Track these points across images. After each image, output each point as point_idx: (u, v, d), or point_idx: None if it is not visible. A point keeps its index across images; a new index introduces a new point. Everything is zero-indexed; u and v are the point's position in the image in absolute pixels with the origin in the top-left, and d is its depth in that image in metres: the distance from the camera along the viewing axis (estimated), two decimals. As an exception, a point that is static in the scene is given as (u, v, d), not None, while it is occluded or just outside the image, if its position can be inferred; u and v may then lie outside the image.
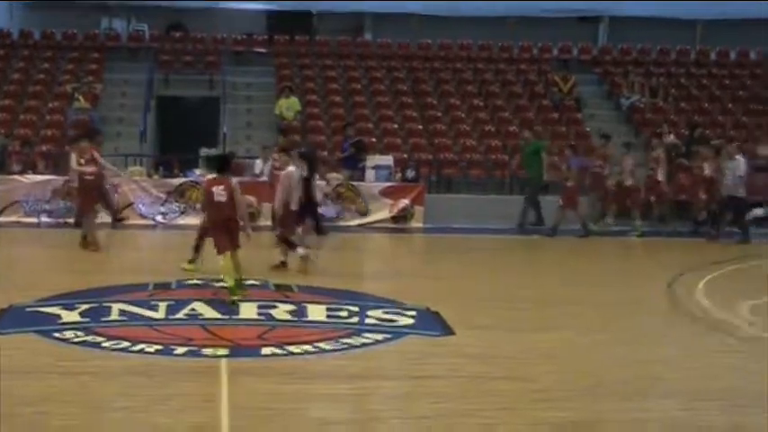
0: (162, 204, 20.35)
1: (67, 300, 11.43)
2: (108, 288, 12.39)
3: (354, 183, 21.19)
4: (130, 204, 20.10)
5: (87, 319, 10.52)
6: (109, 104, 25.67)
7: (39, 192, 20.05)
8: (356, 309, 11.43)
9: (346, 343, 9.81)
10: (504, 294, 13.22)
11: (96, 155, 16.66)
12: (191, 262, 13.74)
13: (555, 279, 14.91)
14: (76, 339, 9.62)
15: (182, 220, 19.88)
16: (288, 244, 14.27)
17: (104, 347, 9.34)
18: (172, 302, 11.41)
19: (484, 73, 28.17)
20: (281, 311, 11.22)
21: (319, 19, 30.20)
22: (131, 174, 20.55)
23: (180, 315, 10.88)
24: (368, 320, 10.93)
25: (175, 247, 14.69)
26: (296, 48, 28.66)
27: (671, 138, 23.58)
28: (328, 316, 11.09)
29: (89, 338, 9.66)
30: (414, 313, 11.25)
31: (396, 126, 25.15)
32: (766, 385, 8.58)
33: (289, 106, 24.45)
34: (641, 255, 19.23)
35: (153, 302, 11.41)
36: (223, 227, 12.03)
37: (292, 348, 9.48)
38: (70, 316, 10.64)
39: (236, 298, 11.49)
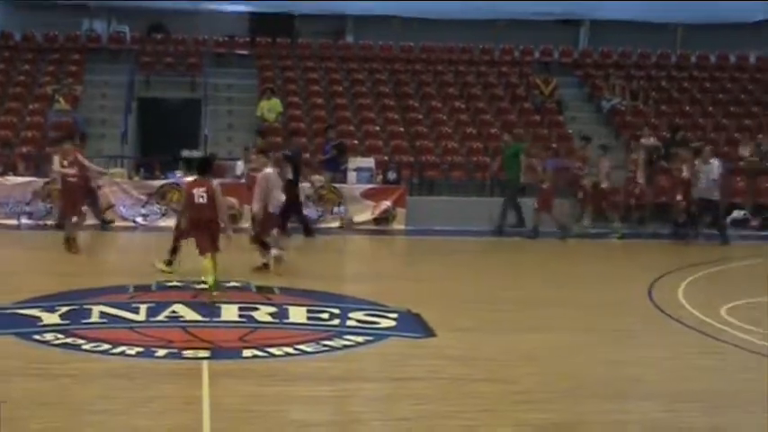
0: (143, 206, 20.27)
1: (48, 302, 11.37)
2: (88, 290, 12.35)
3: (336, 185, 21.18)
4: (112, 206, 20.04)
5: (67, 322, 10.49)
6: (89, 106, 25.56)
7: (19, 193, 19.95)
8: (337, 311, 11.42)
9: (327, 345, 9.80)
10: (485, 296, 13.23)
11: (80, 157, 16.64)
12: (168, 264, 13.70)
13: (536, 281, 14.94)
14: (57, 341, 9.58)
15: (163, 222, 19.79)
16: (262, 245, 14.24)
17: (85, 350, 9.30)
18: (152, 305, 11.37)
19: (465, 75, 28.19)
20: (263, 313, 11.20)
21: (301, 21, 30.13)
22: (112, 175, 20.47)
23: (161, 317, 10.85)
24: (349, 322, 10.93)
25: (156, 249, 14.65)
26: (278, 50, 28.61)
27: (651, 140, 23.69)
28: (309, 318, 11.07)
29: (69, 341, 9.62)
30: (395, 315, 11.25)
31: (377, 128, 25.15)
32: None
33: (270, 108, 24.42)
34: (622, 257, 19.29)
35: (134, 304, 11.37)
36: (204, 228, 12.04)
37: (273, 350, 9.47)
38: (50, 318, 10.60)
39: (216, 293, 11.49)
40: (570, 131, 25.75)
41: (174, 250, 13.76)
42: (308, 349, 9.58)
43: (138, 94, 26.18)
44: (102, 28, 28.91)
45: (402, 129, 25.17)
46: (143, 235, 19.65)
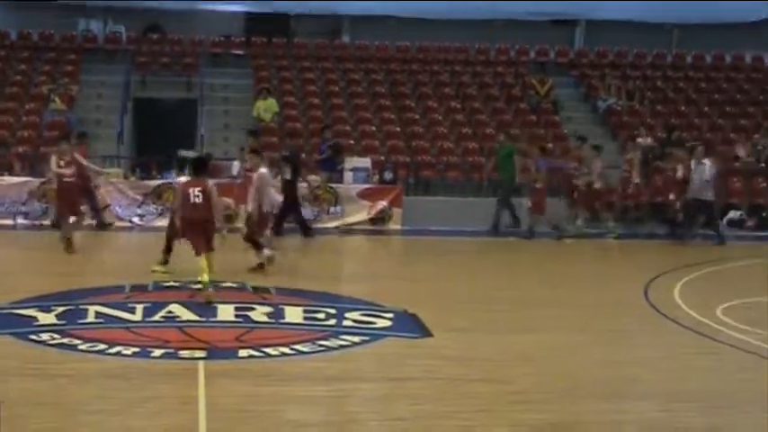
0: (139, 206, 20.28)
1: (44, 302, 11.36)
2: (85, 290, 12.34)
3: (332, 185, 21.18)
4: (108, 206, 20.03)
5: (64, 322, 10.48)
6: (85, 106, 25.52)
7: (15, 193, 19.94)
8: (334, 311, 11.42)
9: (324, 345, 9.80)
10: (481, 296, 13.23)
11: (78, 156, 16.66)
12: (164, 263, 13.71)
13: (532, 281, 14.95)
14: (53, 342, 9.57)
15: (159, 222, 19.74)
16: (254, 244, 14.24)
17: (81, 350, 9.29)
18: (149, 305, 11.37)
19: (461, 75, 28.20)
20: (259, 313, 11.20)
21: (297, 21, 30.13)
22: (108, 176, 20.46)
23: (157, 317, 10.84)
24: (345, 322, 10.93)
25: (152, 249, 14.63)
26: (274, 50, 28.60)
27: (647, 140, 23.69)
28: (306, 318, 11.07)
29: (65, 341, 9.62)
30: (391, 315, 11.25)
31: (373, 128, 25.14)
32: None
33: (266, 108, 24.41)
34: (618, 257, 19.31)
35: (130, 305, 11.36)
36: (200, 229, 12.03)
37: (270, 350, 9.47)
38: (46, 318, 10.58)
39: (211, 291, 11.48)
40: (566, 131, 25.76)
41: (168, 249, 13.78)
42: (305, 349, 9.57)
43: (134, 94, 26.17)
44: (98, 28, 28.86)
45: (398, 129, 25.16)
46: (139, 235, 19.64)
